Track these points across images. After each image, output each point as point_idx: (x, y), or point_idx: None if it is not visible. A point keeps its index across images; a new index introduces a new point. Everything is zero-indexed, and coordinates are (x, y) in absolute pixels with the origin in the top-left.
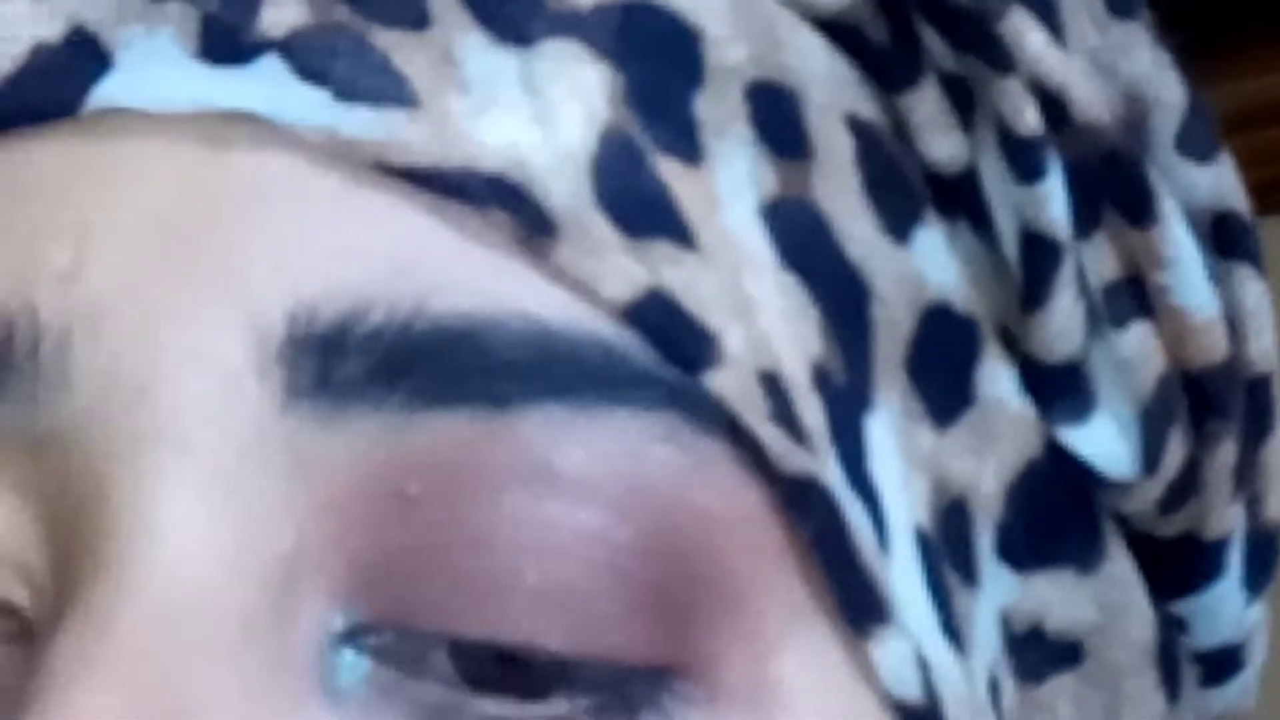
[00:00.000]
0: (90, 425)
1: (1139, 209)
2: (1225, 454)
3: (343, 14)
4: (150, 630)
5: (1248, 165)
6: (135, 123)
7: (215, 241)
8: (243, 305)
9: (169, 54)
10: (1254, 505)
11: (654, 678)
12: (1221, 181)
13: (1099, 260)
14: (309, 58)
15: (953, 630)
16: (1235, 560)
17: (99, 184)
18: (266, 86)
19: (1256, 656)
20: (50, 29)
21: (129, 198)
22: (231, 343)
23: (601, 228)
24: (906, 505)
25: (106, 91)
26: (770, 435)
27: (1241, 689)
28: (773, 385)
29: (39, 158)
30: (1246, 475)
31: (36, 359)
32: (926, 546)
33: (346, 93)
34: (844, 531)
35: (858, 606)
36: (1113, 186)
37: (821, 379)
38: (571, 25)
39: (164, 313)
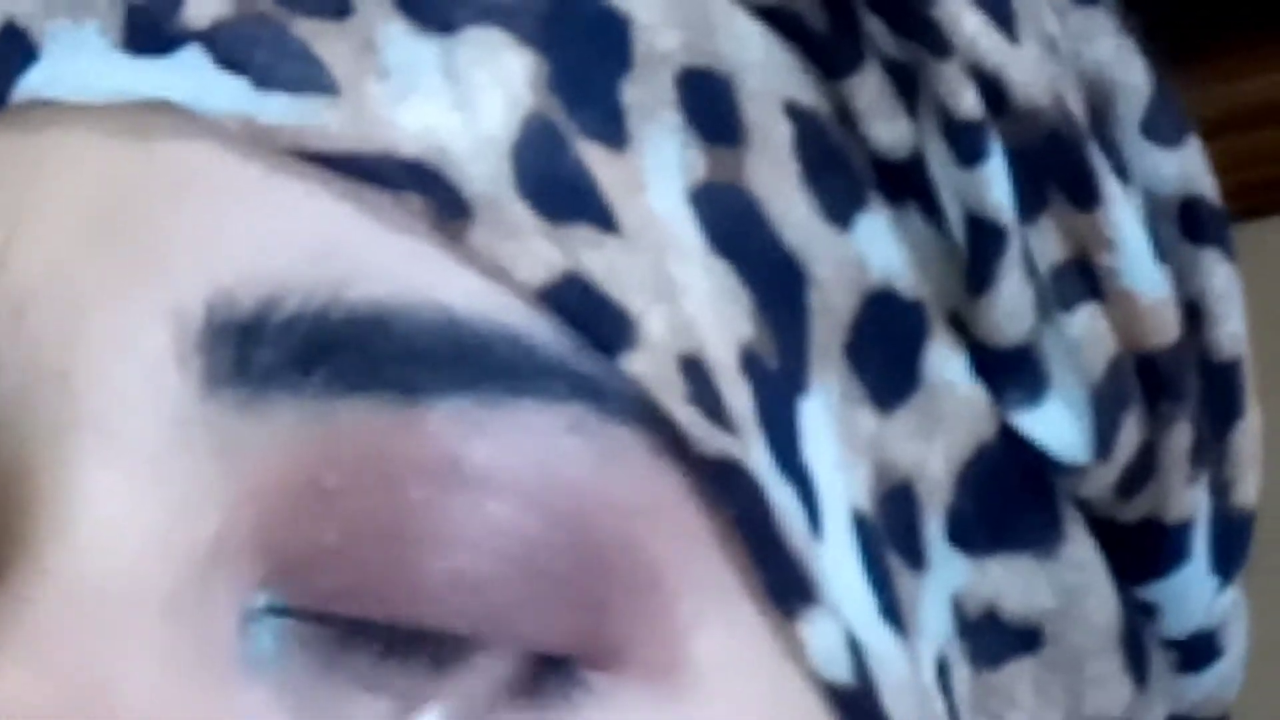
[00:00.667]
0: (14, 411)
1: (1081, 191)
2: (1180, 437)
3: (265, 4)
4: (69, 609)
5: (1247, 165)
6: (60, 114)
7: (137, 230)
8: (163, 293)
9: (94, 45)
10: (1223, 490)
11: (564, 663)
12: (1189, 166)
13: (1045, 243)
14: (229, 47)
15: (893, 614)
16: (1200, 545)
17: (24, 174)
18: (187, 76)
19: (1235, 644)
20: None
21: (53, 188)
22: (152, 330)
23: (519, 211)
24: (844, 488)
25: (32, 83)
26: (688, 418)
27: (1221, 677)
28: (694, 368)
29: None
30: (1214, 460)
31: None
32: (865, 530)
33: (265, 80)
34: (767, 513)
35: (783, 587)
36: (1055, 169)
37: (750, 362)
38: (495, 13)
39: (87, 301)
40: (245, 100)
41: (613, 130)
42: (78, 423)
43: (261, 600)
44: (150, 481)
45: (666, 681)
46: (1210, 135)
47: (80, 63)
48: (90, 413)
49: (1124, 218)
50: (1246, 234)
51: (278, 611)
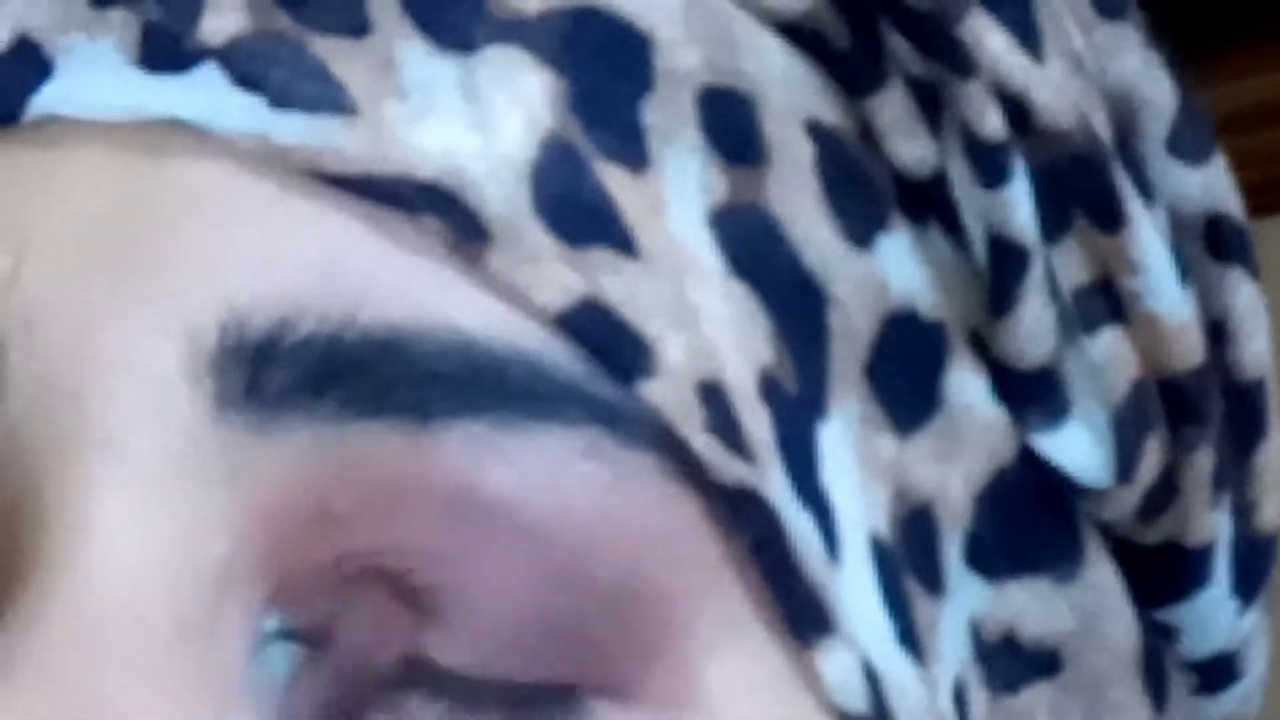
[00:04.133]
0: (25, 431)
1: (1107, 213)
2: (1202, 461)
3: (283, 22)
4: (78, 632)
5: (1247, 165)
6: (75, 130)
7: (149, 250)
8: (176, 314)
9: (110, 62)
10: (1245, 512)
11: (571, 695)
12: (1214, 183)
13: (1069, 265)
14: (246, 65)
15: (911, 640)
16: (1222, 568)
17: (38, 192)
18: (202, 94)
19: (1255, 665)
20: None
21: (67, 205)
22: (164, 351)
23: (537, 235)
24: (862, 514)
25: (46, 99)
26: (705, 446)
27: (1241, 698)
28: (713, 395)
29: None
30: (1237, 481)
31: None
32: (884, 555)
33: (281, 100)
34: (784, 542)
35: (800, 617)
36: (1079, 191)
37: (770, 387)
38: (515, 32)
39: (98, 320)
40: (261, 119)
41: (633, 151)
42: (87, 443)
43: (272, 625)
44: (159, 504)
45: (678, 712)
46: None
47: (95, 79)
48: (100, 433)
49: (1148, 239)
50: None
51: (288, 636)
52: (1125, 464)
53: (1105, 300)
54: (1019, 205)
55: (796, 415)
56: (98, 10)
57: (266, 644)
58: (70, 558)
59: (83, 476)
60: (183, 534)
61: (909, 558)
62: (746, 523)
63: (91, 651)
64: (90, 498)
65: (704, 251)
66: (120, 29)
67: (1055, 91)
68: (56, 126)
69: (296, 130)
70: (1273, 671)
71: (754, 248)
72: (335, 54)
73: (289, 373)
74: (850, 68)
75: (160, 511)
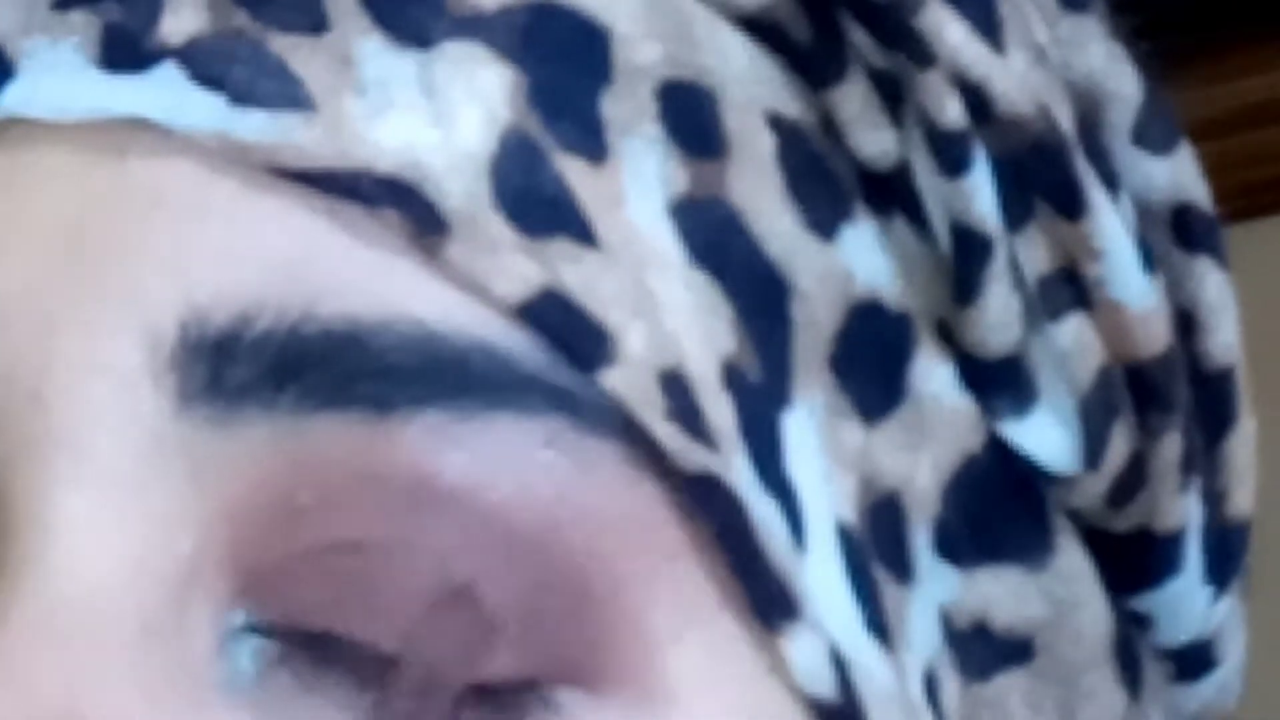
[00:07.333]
0: None
1: (1068, 201)
2: (1170, 447)
3: (242, 20)
4: (46, 631)
5: (1246, 165)
6: (36, 132)
7: (112, 249)
8: (137, 312)
9: (71, 63)
10: (1216, 500)
11: (533, 679)
12: (1181, 173)
13: (1033, 253)
14: (206, 63)
15: (879, 626)
16: (1193, 555)
17: (1, 193)
18: (163, 93)
19: (1232, 654)
20: None
21: (29, 206)
22: (126, 349)
23: (497, 227)
24: (828, 502)
25: (8, 101)
26: (667, 434)
27: (1219, 686)
28: (674, 383)
29: None
30: (1206, 469)
31: None
32: (850, 543)
33: (242, 97)
34: (748, 528)
35: (765, 603)
36: (1041, 179)
37: (732, 376)
38: (474, 27)
39: (60, 319)
40: (221, 117)
41: (592, 144)
42: (52, 443)
43: (239, 620)
44: (124, 502)
45: (640, 698)
46: (1210, 135)
47: (57, 81)
48: (64, 433)
49: (1112, 227)
50: (1246, 234)
51: (255, 631)
52: (1093, 451)
53: (1069, 288)
54: (981, 194)
55: (760, 403)
56: (58, 12)
57: (235, 639)
58: (35, 558)
59: (47, 478)
60: (147, 532)
61: (877, 546)
62: (710, 509)
63: (58, 652)
64: (55, 498)
65: (664, 242)
66: (81, 30)
67: (1015, 81)
68: (19, 128)
69: (256, 127)
70: (1252, 660)
71: (715, 238)
72: (294, 51)
73: (249, 367)
74: (811, 60)
75: (125, 510)
